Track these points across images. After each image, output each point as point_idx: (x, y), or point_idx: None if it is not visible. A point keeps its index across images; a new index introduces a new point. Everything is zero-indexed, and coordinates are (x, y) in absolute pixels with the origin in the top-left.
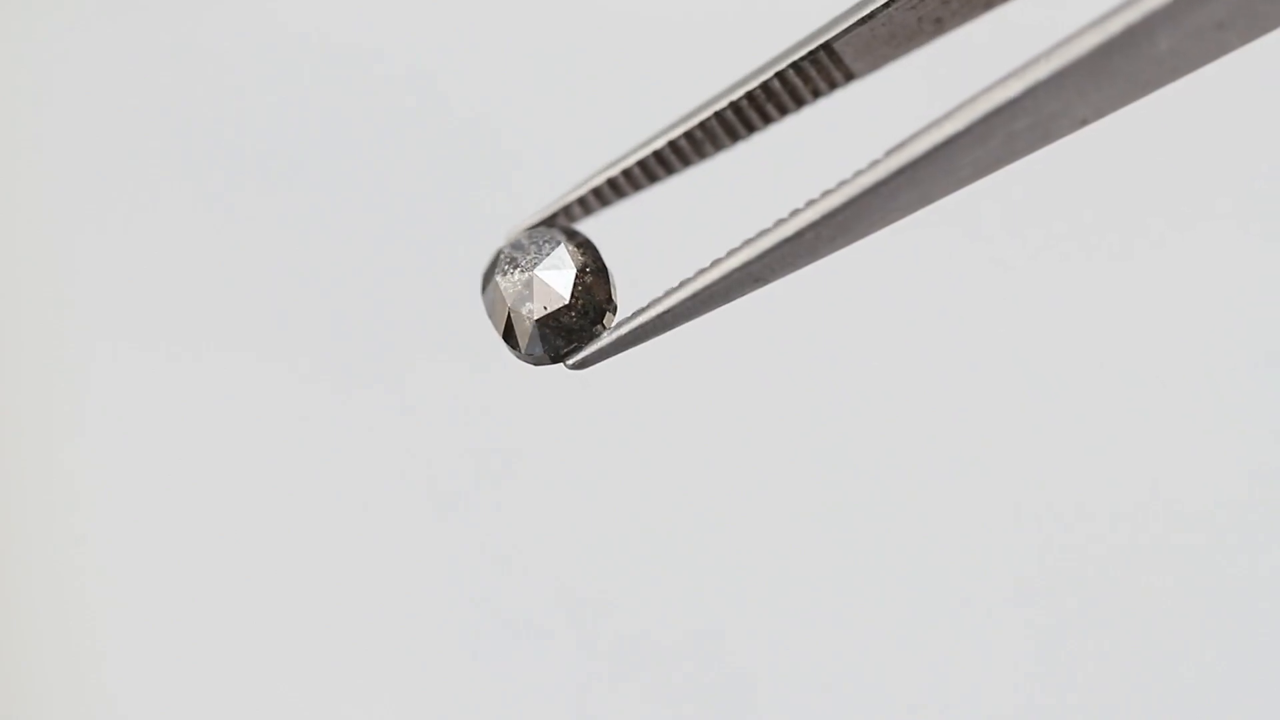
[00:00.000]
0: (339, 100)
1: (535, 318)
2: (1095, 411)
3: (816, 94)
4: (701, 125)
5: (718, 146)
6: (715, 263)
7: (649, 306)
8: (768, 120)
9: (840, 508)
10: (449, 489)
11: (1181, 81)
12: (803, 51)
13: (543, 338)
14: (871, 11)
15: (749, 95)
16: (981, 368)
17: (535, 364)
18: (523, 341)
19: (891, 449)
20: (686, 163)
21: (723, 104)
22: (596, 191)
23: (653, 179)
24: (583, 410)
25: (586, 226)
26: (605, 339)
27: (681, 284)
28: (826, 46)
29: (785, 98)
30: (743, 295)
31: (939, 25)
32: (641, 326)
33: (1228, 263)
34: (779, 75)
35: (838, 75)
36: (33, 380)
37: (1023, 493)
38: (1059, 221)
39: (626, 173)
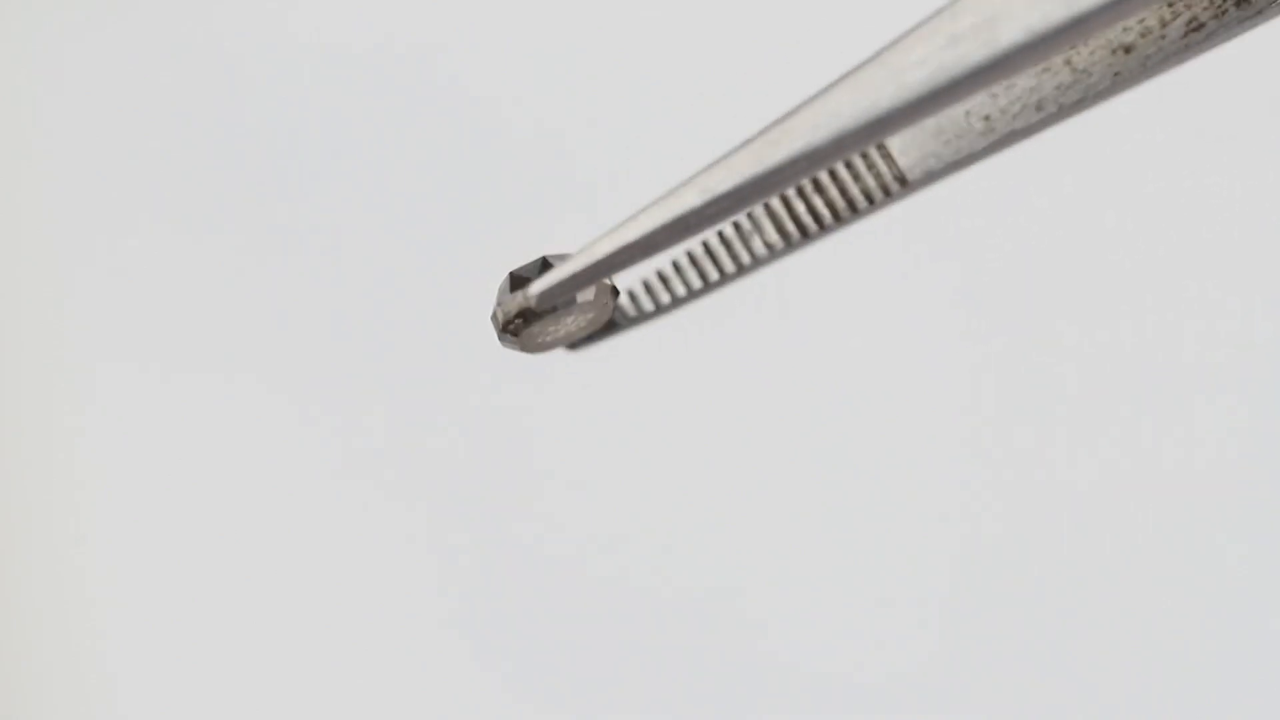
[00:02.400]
0: (340, 102)
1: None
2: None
3: (870, 198)
4: (751, 217)
5: (770, 250)
6: (668, 191)
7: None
8: (821, 225)
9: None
10: (447, 490)
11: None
12: None
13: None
14: None
15: (800, 191)
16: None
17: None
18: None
19: (893, 446)
20: (736, 260)
21: (772, 196)
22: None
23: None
24: (580, 410)
25: None
26: (565, 265)
27: (634, 214)
28: None
29: (834, 193)
30: (696, 231)
31: (988, 125)
32: (601, 250)
33: (1230, 264)
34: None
35: (887, 174)
36: (35, 383)
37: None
38: (1063, 222)
39: (675, 265)
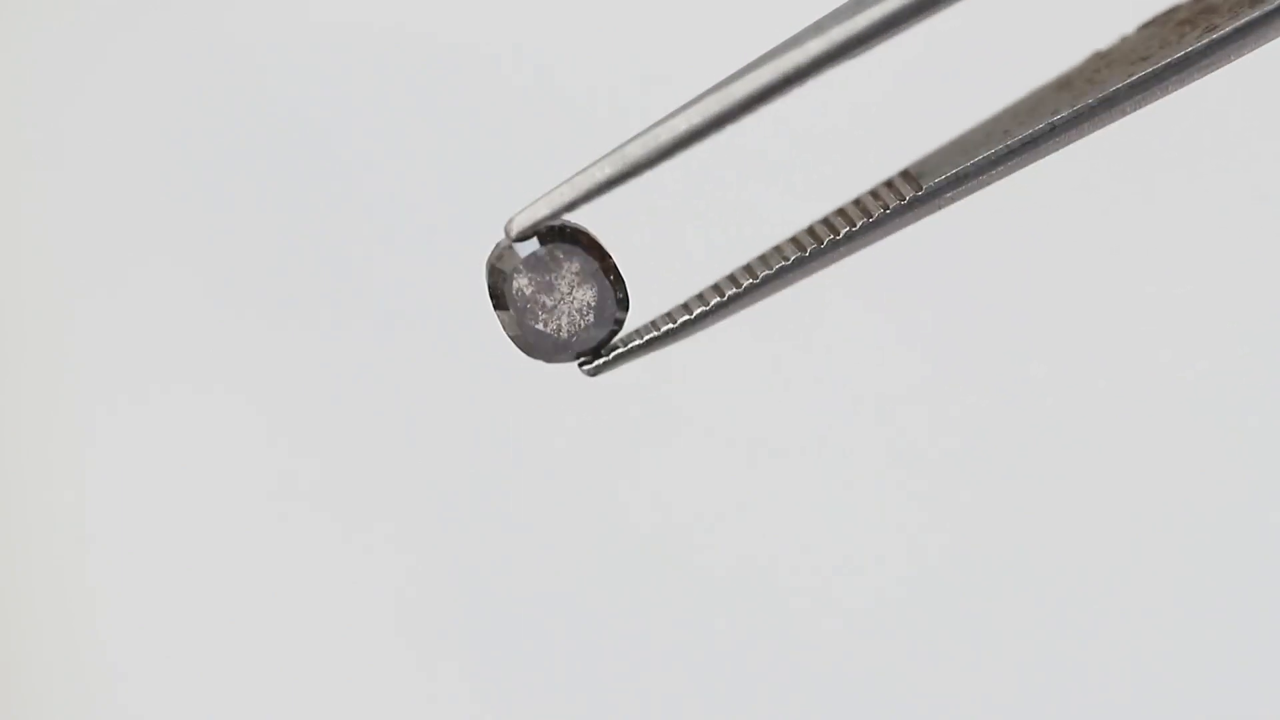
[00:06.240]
0: (342, 104)
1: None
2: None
3: (886, 206)
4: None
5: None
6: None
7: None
8: (838, 236)
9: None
10: (448, 492)
11: None
12: None
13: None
14: None
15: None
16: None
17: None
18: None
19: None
20: None
21: None
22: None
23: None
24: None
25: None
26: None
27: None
28: None
29: (852, 209)
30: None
31: (1007, 136)
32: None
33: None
34: None
35: (905, 187)
36: (39, 391)
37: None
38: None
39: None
